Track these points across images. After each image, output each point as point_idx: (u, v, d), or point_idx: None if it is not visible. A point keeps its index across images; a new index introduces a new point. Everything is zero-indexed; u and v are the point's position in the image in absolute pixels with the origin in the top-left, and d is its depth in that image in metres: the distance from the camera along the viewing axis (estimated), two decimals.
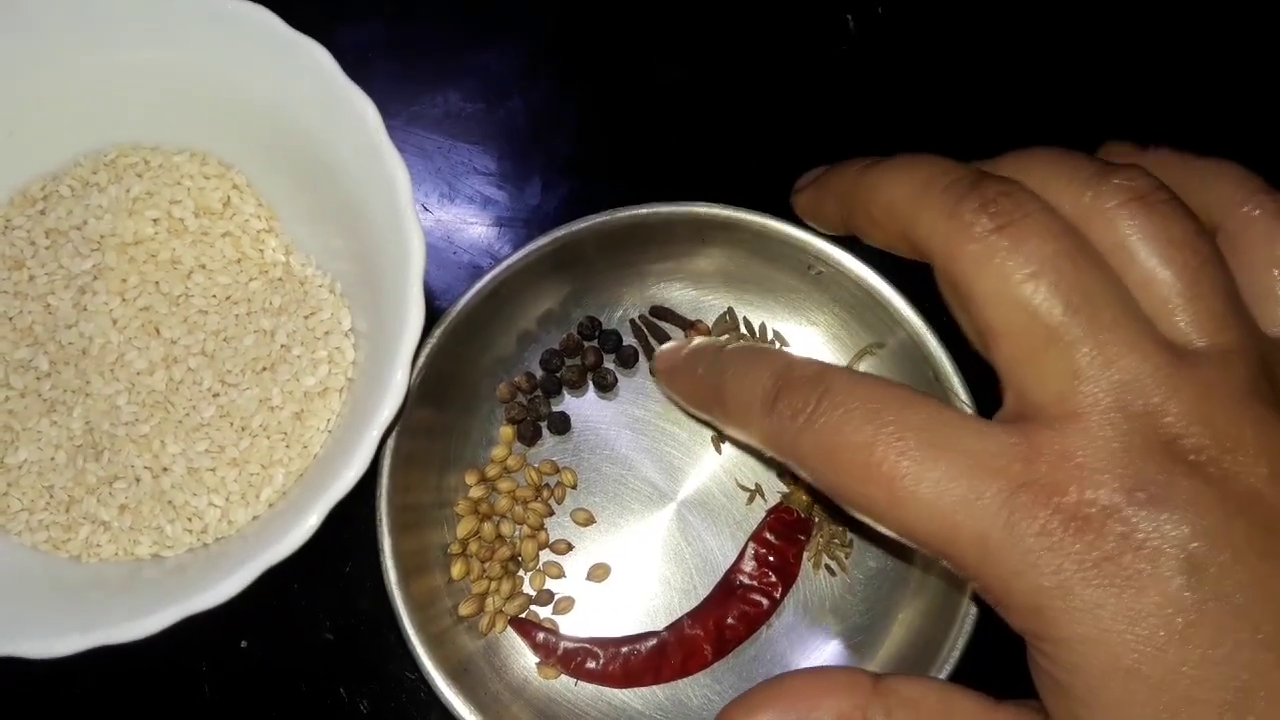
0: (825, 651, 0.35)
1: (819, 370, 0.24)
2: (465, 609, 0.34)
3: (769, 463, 0.37)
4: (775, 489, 0.37)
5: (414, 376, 0.31)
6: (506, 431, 0.36)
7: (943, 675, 0.32)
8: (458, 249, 0.40)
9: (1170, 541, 0.19)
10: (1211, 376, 0.21)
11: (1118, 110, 0.42)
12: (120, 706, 0.36)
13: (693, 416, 0.36)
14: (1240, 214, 0.25)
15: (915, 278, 0.35)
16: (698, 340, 0.32)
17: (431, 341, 0.33)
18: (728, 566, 0.36)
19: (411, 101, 0.42)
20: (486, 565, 0.35)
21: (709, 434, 0.37)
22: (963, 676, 0.32)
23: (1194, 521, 0.19)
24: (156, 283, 0.35)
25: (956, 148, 0.40)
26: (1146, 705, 0.19)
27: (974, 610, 0.32)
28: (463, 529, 0.34)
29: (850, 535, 0.36)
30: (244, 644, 0.36)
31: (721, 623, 0.35)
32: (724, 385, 0.26)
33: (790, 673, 0.26)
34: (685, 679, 0.35)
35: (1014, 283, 0.21)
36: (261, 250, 0.36)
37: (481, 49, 0.43)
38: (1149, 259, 0.22)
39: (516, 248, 0.35)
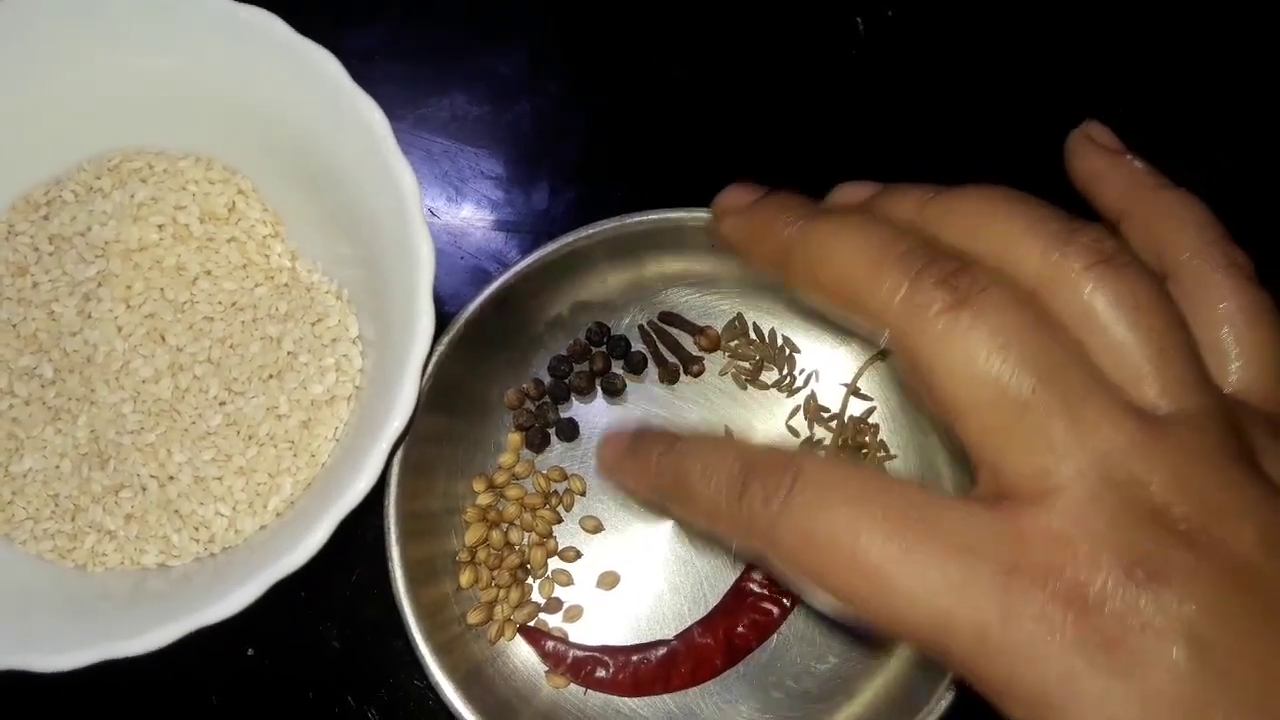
0: (836, 659, 0.35)
1: (788, 454, 0.23)
2: (474, 617, 0.34)
3: None
4: None
5: (422, 384, 0.31)
6: (515, 438, 0.36)
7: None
8: (464, 253, 0.40)
9: (1173, 620, 0.19)
10: (1187, 442, 0.20)
11: (1129, 111, 0.41)
12: (126, 715, 0.36)
13: (650, 508, 0.34)
14: (1194, 266, 0.25)
15: None
16: (641, 431, 0.30)
17: (439, 349, 0.33)
18: (737, 575, 0.35)
19: (418, 105, 0.42)
20: (495, 573, 0.34)
21: None
22: None
23: (1195, 597, 0.19)
24: (161, 289, 0.35)
25: (965, 151, 0.40)
26: None
27: None
28: (471, 536, 0.34)
29: None
30: (251, 652, 0.36)
31: (732, 631, 0.35)
32: (685, 474, 0.24)
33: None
34: (695, 688, 0.35)
35: (979, 358, 0.21)
36: (267, 256, 0.36)
37: (487, 51, 0.42)
38: (1116, 325, 0.21)
39: (524, 252, 0.35)
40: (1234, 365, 0.24)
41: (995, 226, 0.23)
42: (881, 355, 0.37)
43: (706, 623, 0.35)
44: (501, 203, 0.40)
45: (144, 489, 0.33)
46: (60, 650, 0.28)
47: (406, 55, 0.42)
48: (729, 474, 0.23)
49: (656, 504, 0.27)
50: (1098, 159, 0.28)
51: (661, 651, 0.34)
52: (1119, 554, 0.19)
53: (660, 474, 0.26)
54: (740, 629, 0.35)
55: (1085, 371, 0.21)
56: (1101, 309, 0.21)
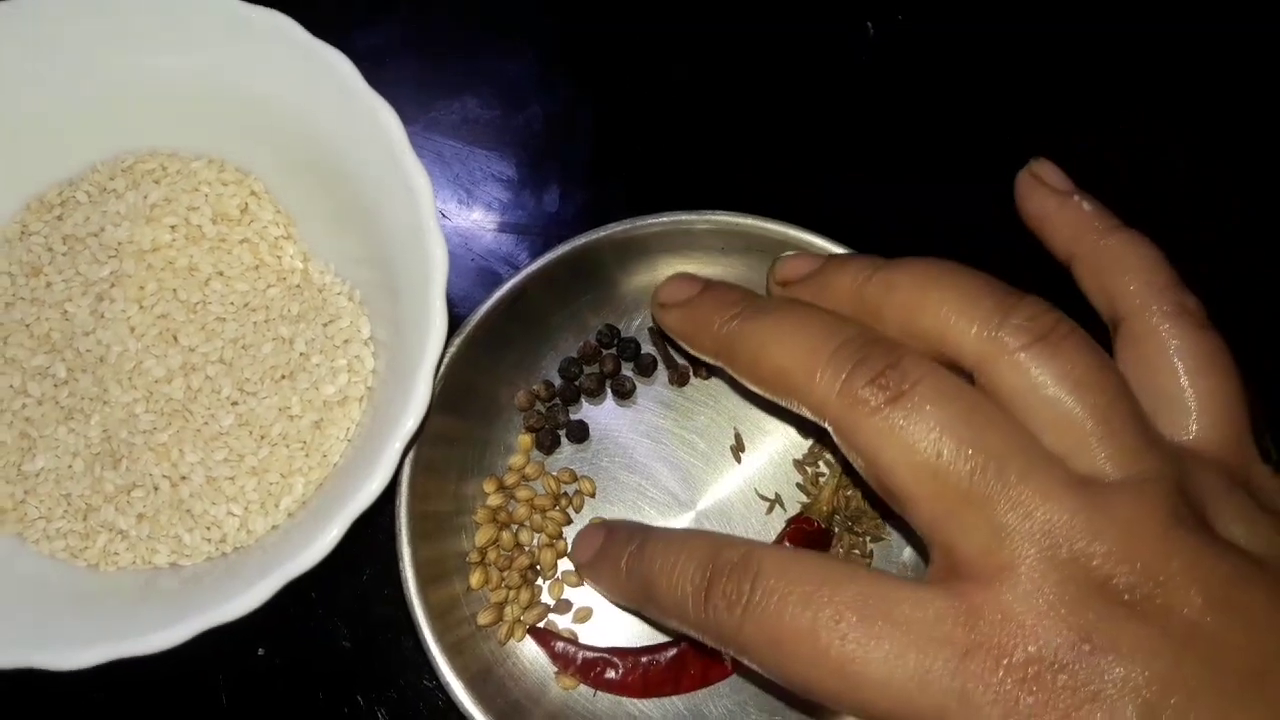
0: None
1: (745, 552, 0.24)
2: (484, 618, 0.34)
3: (789, 473, 0.37)
4: (795, 499, 0.36)
5: (434, 385, 0.31)
6: (525, 440, 0.36)
7: None
8: (475, 255, 0.40)
9: (1122, 689, 0.19)
10: (1131, 511, 0.21)
11: (1140, 115, 0.42)
12: (136, 713, 0.36)
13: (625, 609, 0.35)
14: (1146, 315, 0.25)
15: None
16: (605, 522, 0.32)
17: (451, 350, 0.33)
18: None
19: (428, 107, 0.42)
20: (505, 574, 0.35)
21: (728, 443, 0.37)
22: None
23: (1143, 664, 0.19)
24: (174, 290, 0.35)
25: (970, 156, 0.40)
26: None
27: None
28: (481, 537, 0.34)
29: (870, 546, 0.36)
30: (261, 651, 0.36)
31: None
32: (652, 582, 0.26)
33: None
34: (705, 689, 0.35)
35: (917, 451, 0.22)
36: (279, 257, 0.36)
37: (498, 53, 0.42)
38: (1058, 401, 0.22)
39: (534, 254, 0.35)
40: (1190, 416, 0.24)
41: (931, 307, 0.23)
42: None
43: None
44: (512, 205, 0.41)
45: (156, 489, 0.33)
46: (73, 649, 0.28)
47: (416, 57, 0.42)
48: (692, 582, 0.24)
49: (631, 607, 0.28)
50: (1046, 200, 0.28)
51: (671, 653, 0.34)
52: (1067, 628, 0.20)
53: (629, 580, 0.27)
54: None
55: (1023, 452, 0.22)
56: (1042, 386, 0.22)
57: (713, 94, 0.42)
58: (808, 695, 0.23)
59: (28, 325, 0.35)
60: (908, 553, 0.36)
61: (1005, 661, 0.20)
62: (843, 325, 0.24)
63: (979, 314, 0.23)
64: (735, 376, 0.27)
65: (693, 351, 0.29)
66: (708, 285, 0.30)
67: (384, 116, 0.31)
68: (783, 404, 0.26)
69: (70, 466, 0.34)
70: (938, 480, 0.21)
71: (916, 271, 0.25)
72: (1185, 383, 0.24)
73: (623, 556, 0.28)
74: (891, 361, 0.22)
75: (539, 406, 0.36)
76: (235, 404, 0.34)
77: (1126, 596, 0.20)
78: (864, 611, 0.21)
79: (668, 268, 0.36)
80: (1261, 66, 0.42)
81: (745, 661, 0.24)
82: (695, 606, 0.24)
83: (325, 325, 0.35)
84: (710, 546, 0.25)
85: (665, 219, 0.35)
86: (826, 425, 0.24)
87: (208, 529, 0.33)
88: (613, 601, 0.33)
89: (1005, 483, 0.21)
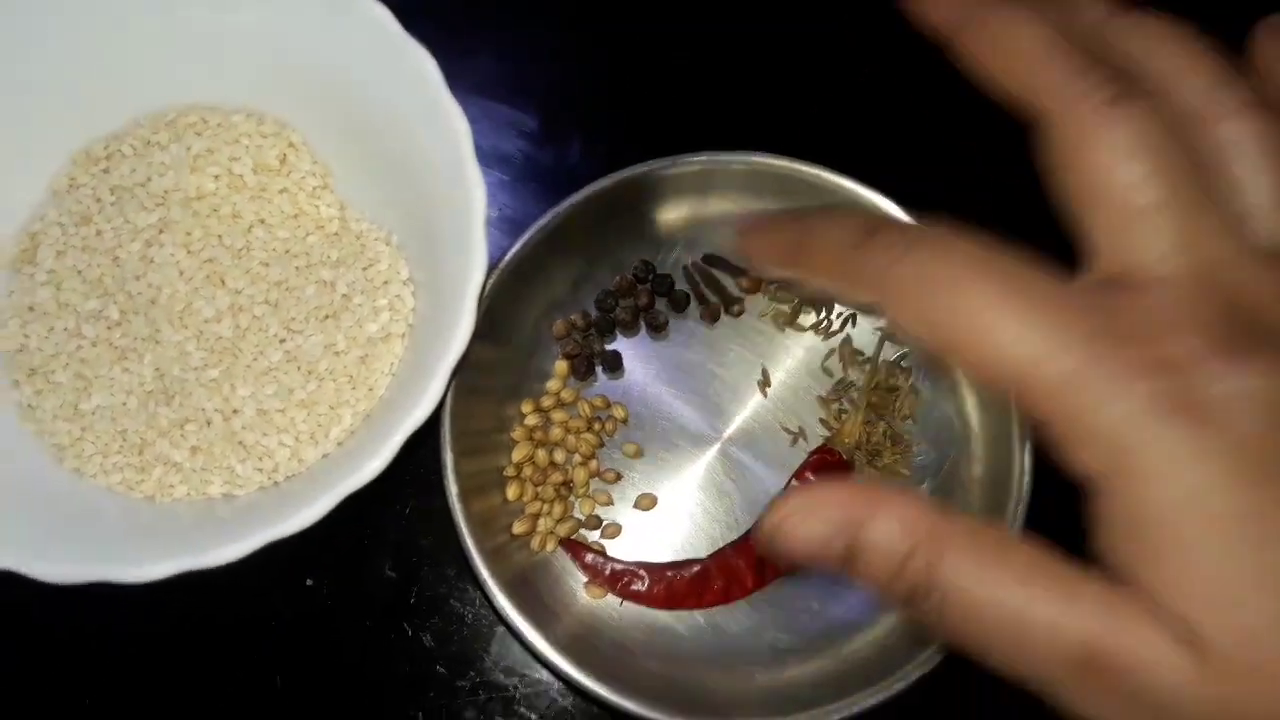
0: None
1: (906, 225, 0.24)
2: (519, 527, 0.36)
3: (813, 408, 0.38)
4: (818, 433, 0.38)
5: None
6: (561, 366, 0.38)
7: None
8: (500, 205, 0.41)
9: (1252, 392, 0.20)
10: None
11: None
12: (192, 643, 0.37)
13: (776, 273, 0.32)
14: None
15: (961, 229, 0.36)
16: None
17: (490, 281, 0.35)
18: (769, 503, 0.37)
19: (450, 61, 0.43)
20: (540, 489, 0.37)
21: (755, 377, 0.38)
22: None
23: (1277, 378, 0.20)
24: (219, 236, 0.36)
25: (979, 141, 0.41)
26: (1225, 540, 0.19)
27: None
28: (518, 454, 0.36)
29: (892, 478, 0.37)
30: (309, 582, 0.37)
31: None
32: (812, 230, 0.26)
33: (839, 483, 0.26)
34: (725, 606, 0.36)
35: (1122, 155, 0.22)
36: (317, 206, 0.37)
37: (515, 13, 0.44)
38: (1249, 164, 0.23)
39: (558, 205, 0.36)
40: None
41: (1162, 50, 0.24)
42: None
43: (739, 545, 0.37)
44: (536, 158, 0.42)
45: (209, 423, 0.35)
46: (144, 564, 0.29)
47: (437, 8, 0.43)
48: (854, 230, 0.24)
49: (784, 264, 0.27)
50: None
51: (695, 569, 0.36)
52: (1210, 335, 0.20)
53: (788, 236, 0.27)
54: None
55: (1216, 192, 0.22)
56: (1239, 147, 0.23)
57: (749, 37, 0.43)
58: (932, 344, 0.23)
59: (80, 271, 0.36)
60: (924, 487, 0.37)
61: (1140, 347, 0.20)
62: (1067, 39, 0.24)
63: (1202, 69, 0.23)
64: (963, 53, 0.25)
65: (924, 19, 0.26)
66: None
67: (421, 61, 0.33)
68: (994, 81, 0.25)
69: (125, 404, 0.35)
70: (1129, 186, 0.22)
71: (1160, 23, 0.24)
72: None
73: (786, 220, 0.27)
74: (1127, 71, 0.23)
75: (575, 335, 0.38)
76: (283, 341, 0.35)
77: (1276, 329, 0.21)
78: (1013, 276, 0.22)
79: (704, 207, 0.38)
80: None
81: (883, 308, 0.23)
82: (851, 250, 0.24)
83: (364, 269, 0.36)
84: (871, 216, 0.25)
85: (703, 158, 0.36)
86: (1038, 124, 0.23)
87: (260, 459, 0.34)
88: (767, 270, 0.30)
89: (1194, 208, 0.21)
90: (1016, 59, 0.24)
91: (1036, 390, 0.21)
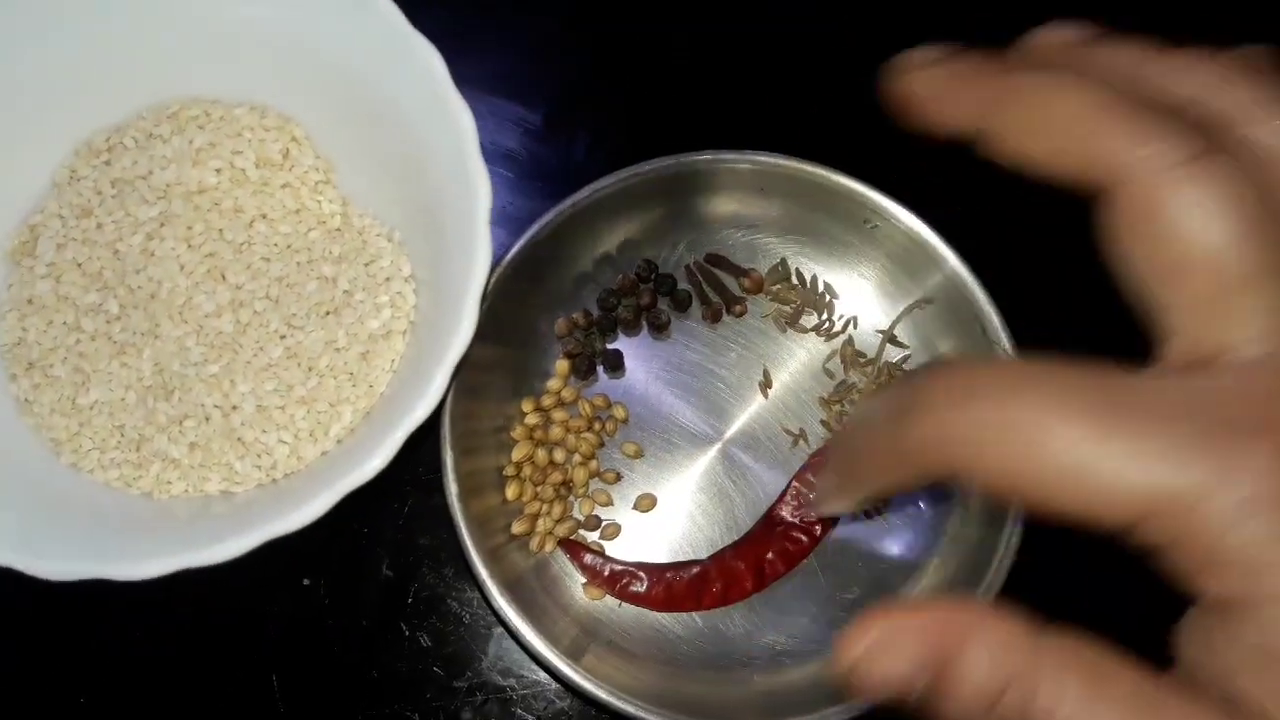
0: (860, 590, 0.36)
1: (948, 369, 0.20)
2: (518, 527, 0.36)
3: (813, 410, 0.38)
4: (818, 434, 0.38)
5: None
6: (562, 365, 0.37)
7: None
8: (505, 202, 0.41)
9: None
10: None
11: None
12: (187, 642, 0.37)
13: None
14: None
15: (965, 231, 0.36)
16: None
17: (492, 280, 0.35)
18: (769, 505, 0.37)
19: (456, 58, 0.43)
20: (539, 489, 0.36)
21: (757, 378, 0.38)
22: None
23: None
24: (220, 230, 0.36)
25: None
26: None
27: (1007, 561, 0.34)
28: (518, 453, 0.36)
29: None
30: (306, 582, 0.37)
31: (762, 557, 0.36)
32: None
33: (928, 600, 0.24)
34: (723, 609, 0.36)
35: (1208, 219, 0.19)
36: (319, 201, 0.37)
37: (518, 9, 0.43)
38: None
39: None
40: None
41: (1227, 93, 0.21)
42: (918, 304, 0.38)
43: (739, 547, 0.36)
44: (541, 155, 0.42)
45: (208, 419, 0.34)
46: (140, 561, 0.29)
47: (444, 5, 0.43)
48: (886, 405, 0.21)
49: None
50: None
51: (695, 570, 0.36)
52: None
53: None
54: (770, 556, 0.36)
55: None
56: None
57: (752, 38, 0.43)
58: (1026, 497, 0.19)
59: (80, 264, 0.36)
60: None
61: (1272, 437, 0.18)
62: (1127, 95, 0.21)
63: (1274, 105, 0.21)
64: (989, 137, 0.22)
65: (938, 120, 0.24)
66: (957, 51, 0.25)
67: (427, 56, 0.32)
68: (1037, 162, 0.22)
69: (123, 399, 0.35)
70: (1219, 256, 0.19)
71: (1210, 59, 0.22)
72: None
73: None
74: (1196, 125, 0.20)
75: (577, 334, 0.38)
76: (283, 337, 0.35)
77: None
78: (1099, 391, 0.19)
79: (707, 206, 0.38)
80: None
81: (964, 475, 0.20)
82: (891, 423, 0.21)
83: (366, 265, 0.36)
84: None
85: (707, 156, 0.36)
86: (1109, 189, 0.21)
87: (259, 456, 0.34)
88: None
89: None
90: (1067, 131, 0.21)
91: (1157, 524, 0.18)
